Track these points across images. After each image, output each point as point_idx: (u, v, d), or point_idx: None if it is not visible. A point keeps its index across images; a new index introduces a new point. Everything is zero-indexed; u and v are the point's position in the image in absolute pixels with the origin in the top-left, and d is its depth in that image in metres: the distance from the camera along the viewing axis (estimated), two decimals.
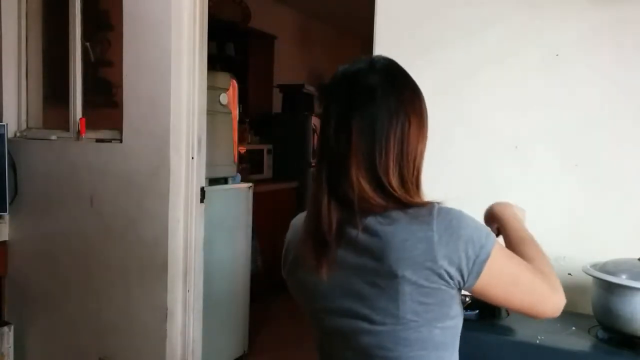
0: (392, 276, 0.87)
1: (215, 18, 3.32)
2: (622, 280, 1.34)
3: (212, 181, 2.97)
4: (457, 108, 1.89)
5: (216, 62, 4.40)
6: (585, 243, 1.68)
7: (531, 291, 0.93)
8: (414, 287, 0.87)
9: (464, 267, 0.87)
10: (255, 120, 4.89)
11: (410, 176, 0.93)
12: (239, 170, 3.39)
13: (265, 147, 4.72)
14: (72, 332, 2.78)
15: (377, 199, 0.90)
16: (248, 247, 3.30)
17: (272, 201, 4.33)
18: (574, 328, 1.47)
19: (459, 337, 0.99)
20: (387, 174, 0.90)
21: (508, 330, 1.46)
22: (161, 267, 2.46)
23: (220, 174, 3.11)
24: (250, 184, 3.33)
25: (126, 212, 2.56)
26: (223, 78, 3.15)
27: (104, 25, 3.03)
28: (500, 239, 1.07)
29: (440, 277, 0.87)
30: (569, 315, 1.59)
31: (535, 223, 1.77)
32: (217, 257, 2.91)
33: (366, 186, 0.90)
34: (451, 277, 0.88)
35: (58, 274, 2.83)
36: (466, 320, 1.48)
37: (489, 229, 0.93)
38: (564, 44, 1.73)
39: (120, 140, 2.58)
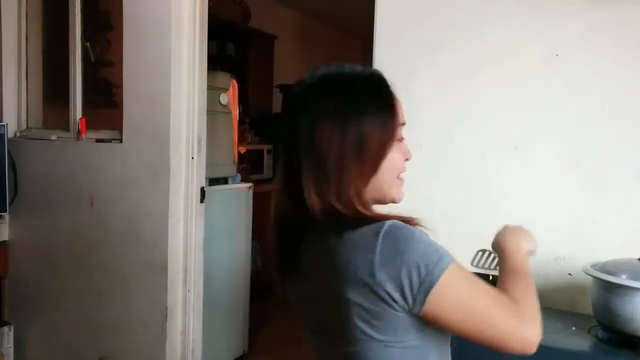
0: (339, 298, 0.86)
1: (215, 18, 3.32)
2: (622, 280, 1.34)
3: (212, 181, 2.97)
4: (457, 108, 1.89)
5: (216, 62, 4.40)
6: (585, 243, 1.68)
7: (490, 323, 0.84)
8: (360, 309, 0.84)
9: (407, 293, 0.82)
10: (255, 120, 4.89)
11: (332, 195, 0.88)
12: (239, 170, 3.39)
13: (265, 147, 4.72)
14: (72, 332, 2.78)
15: (318, 214, 0.88)
16: (248, 247, 3.30)
17: (272, 201, 4.32)
18: (574, 328, 1.47)
19: (431, 356, 0.92)
20: (308, 194, 0.88)
21: None
22: (161, 267, 2.46)
23: (220, 174, 3.10)
24: (250, 184, 3.33)
25: (126, 212, 2.56)
26: (223, 78, 3.15)
27: (104, 25, 3.03)
28: None
29: (383, 300, 0.83)
30: (569, 315, 1.59)
31: (535, 223, 1.77)
32: (217, 257, 2.91)
33: (313, 200, 0.88)
34: (395, 301, 0.83)
35: (58, 274, 2.83)
36: None
37: (443, 252, 0.84)
38: (564, 44, 1.73)
39: (120, 141, 2.58)
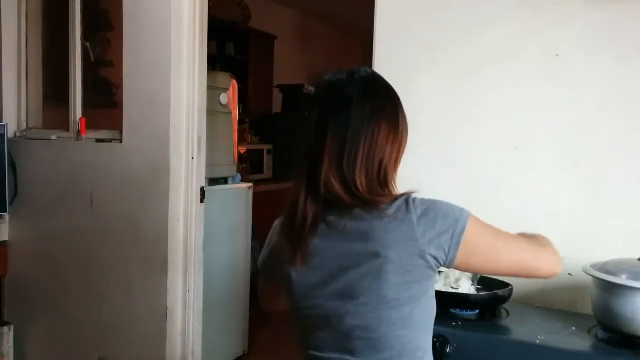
0: (376, 256, 0.97)
1: (215, 18, 3.32)
2: (622, 280, 1.34)
3: (212, 181, 2.97)
4: (457, 108, 1.89)
5: (216, 62, 4.41)
6: (585, 243, 1.68)
7: (514, 252, 1.03)
8: (396, 266, 0.96)
9: (444, 243, 0.97)
10: (255, 120, 4.89)
11: (376, 175, 1.01)
12: (239, 170, 3.39)
13: (265, 147, 4.72)
14: (72, 332, 2.78)
15: (344, 196, 0.99)
16: (248, 246, 3.30)
17: (272, 201, 4.32)
18: (574, 328, 1.47)
19: (433, 323, 1.06)
20: (353, 173, 0.99)
21: (508, 330, 1.46)
22: (161, 267, 2.46)
23: (220, 174, 3.11)
24: (250, 184, 3.33)
25: (126, 212, 2.56)
26: (223, 78, 3.15)
27: (104, 25, 3.03)
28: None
29: (421, 256, 0.97)
30: (569, 315, 1.59)
31: (535, 223, 1.78)
32: (217, 256, 2.91)
33: (336, 185, 0.99)
34: (431, 255, 0.97)
35: (58, 274, 2.83)
36: (466, 320, 1.49)
37: (460, 206, 1.01)
38: (564, 44, 1.73)
39: (120, 141, 2.58)
